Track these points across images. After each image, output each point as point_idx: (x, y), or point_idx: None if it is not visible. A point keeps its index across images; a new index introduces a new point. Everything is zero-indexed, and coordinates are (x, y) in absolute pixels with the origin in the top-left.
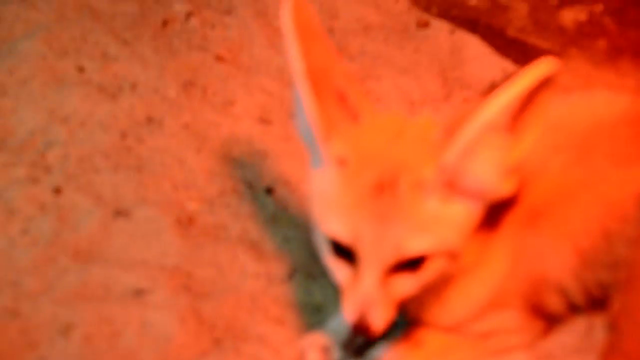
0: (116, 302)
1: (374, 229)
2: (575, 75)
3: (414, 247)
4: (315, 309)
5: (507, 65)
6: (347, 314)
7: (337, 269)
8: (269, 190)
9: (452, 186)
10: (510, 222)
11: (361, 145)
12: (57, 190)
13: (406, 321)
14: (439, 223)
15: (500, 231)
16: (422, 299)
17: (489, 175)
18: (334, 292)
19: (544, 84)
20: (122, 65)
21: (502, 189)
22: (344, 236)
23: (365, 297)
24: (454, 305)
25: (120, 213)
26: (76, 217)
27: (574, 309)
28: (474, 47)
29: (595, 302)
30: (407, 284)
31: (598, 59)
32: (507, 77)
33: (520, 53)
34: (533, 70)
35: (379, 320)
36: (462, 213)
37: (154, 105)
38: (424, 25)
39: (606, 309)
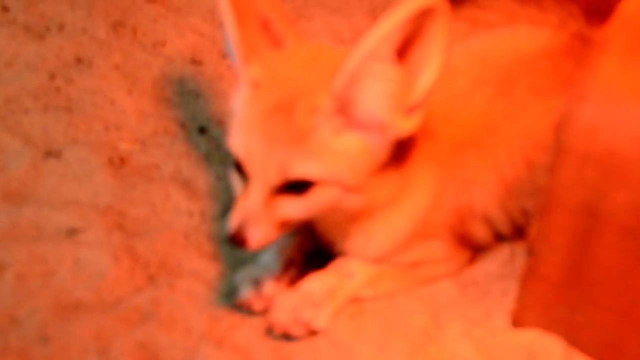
0: (49, 241)
1: (263, 148)
2: (500, 12)
3: (298, 170)
4: None
5: None
6: (227, 226)
7: (235, 184)
8: (202, 130)
9: (345, 115)
10: (434, 154)
11: (276, 70)
12: None
13: (334, 254)
14: (328, 152)
15: (422, 164)
16: (345, 232)
17: (378, 105)
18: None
19: (426, 16)
20: (49, 5)
21: (400, 125)
22: (240, 152)
23: (248, 212)
24: (378, 238)
25: (51, 154)
26: (6, 158)
27: (499, 238)
28: None
29: (519, 230)
30: (292, 207)
31: None
32: None
33: None
34: (410, 3)
35: (256, 236)
36: (355, 146)
37: (83, 46)
38: None
39: (527, 235)
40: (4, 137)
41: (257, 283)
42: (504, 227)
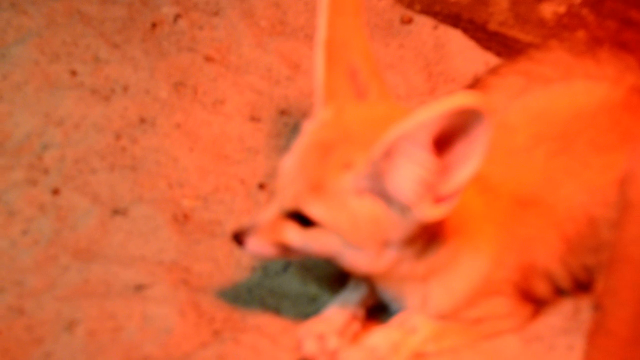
0: (117, 297)
1: (291, 173)
2: (555, 66)
3: (306, 205)
4: (310, 300)
5: (489, 58)
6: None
7: None
8: (261, 186)
9: (373, 182)
10: (495, 213)
11: (344, 117)
12: (55, 191)
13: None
14: (340, 204)
15: (481, 223)
16: (402, 291)
17: (406, 186)
18: (329, 283)
19: (470, 115)
20: (114, 68)
21: (425, 210)
22: (280, 169)
23: (256, 221)
24: (436, 299)
25: (117, 211)
26: (75, 216)
27: (560, 292)
28: (456, 41)
29: (581, 284)
30: (293, 234)
31: (577, 50)
32: (490, 70)
33: (502, 46)
34: (454, 99)
35: (252, 244)
36: (368, 211)
37: (146, 106)
38: (407, 21)
39: (591, 290)
40: (73, 196)
41: (320, 337)
42: (565, 282)
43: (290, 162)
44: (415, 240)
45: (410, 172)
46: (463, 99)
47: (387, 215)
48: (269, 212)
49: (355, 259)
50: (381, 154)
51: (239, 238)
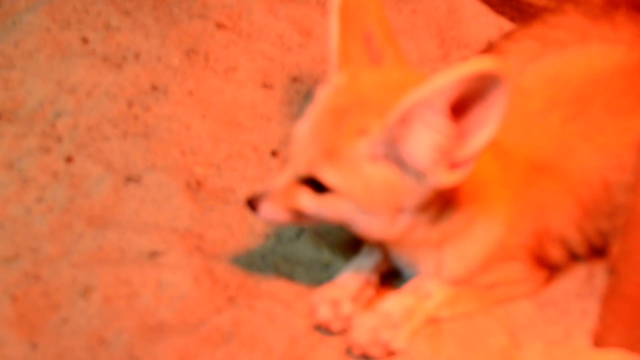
0: (132, 264)
1: (306, 139)
2: (570, 30)
3: (320, 171)
4: (323, 266)
5: (503, 23)
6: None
7: None
8: (274, 153)
9: (388, 148)
10: (509, 178)
11: (358, 82)
12: (69, 159)
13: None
14: (355, 170)
15: (495, 189)
16: (415, 257)
17: (422, 152)
18: (342, 250)
19: (488, 80)
20: (125, 35)
21: (440, 177)
22: (294, 135)
23: (270, 187)
24: (450, 265)
25: (130, 179)
26: (88, 184)
27: (575, 258)
28: (470, 6)
29: (595, 249)
30: (306, 200)
31: (593, 13)
32: (504, 35)
33: (516, 10)
34: (472, 64)
35: (266, 209)
36: (383, 177)
37: (158, 74)
38: None
39: (605, 255)
40: (86, 164)
41: (334, 303)
42: (580, 247)
43: (303, 128)
44: (429, 206)
45: (426, 138)
46: (481, 64)
47: (402, 181)
48: (283, 178)
49: (369, 225)
50: (397, 119)
51: (252, 204)
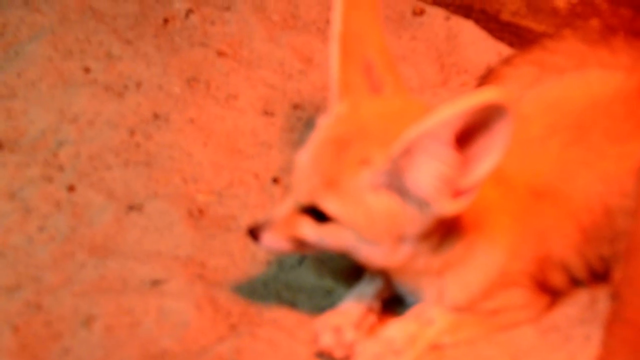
0: (134, 292)
1: (307, 168)
2: (569, 55)
3: (321, 201)
4: (326, 293)
5: (502, 48)
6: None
7: None
8: (275, 180)
9: (391, 178)
10: (510, 204)
11: (359, 112)
12: (71, 188)
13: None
14: (356, 200)
15: (496, 216)
16: (418, 285)
17: (427, 182)
18: (344, 277)
19: (494, 110)
20: (127, 64)
21: (444, 205)
22: (295, 164)
23: (271, 216)
24: (452, 293)
25: (132, 207)
26: (90, 213)
27: (576, 283)
28: (469, 32)
29: (596, 275)
30: (308, 229)
31: (591, 39)
32: (503, 61)
33: (515, 36)
34: (477, 95)
35: (267, 238)
36: (385, 207)
37: (159, 102)
38: (419, 13)
39: (607, 280)
40: (88, 193)
41: (337, 330)
42: (581, 273)
43: (305, 157)
44: (431, 234)
45: (431, 169)
46: (487, 95)
47: (404, 210)
48: (284, 207)
49: (371, 254)
50: (401, 151)
51: (254, 233)
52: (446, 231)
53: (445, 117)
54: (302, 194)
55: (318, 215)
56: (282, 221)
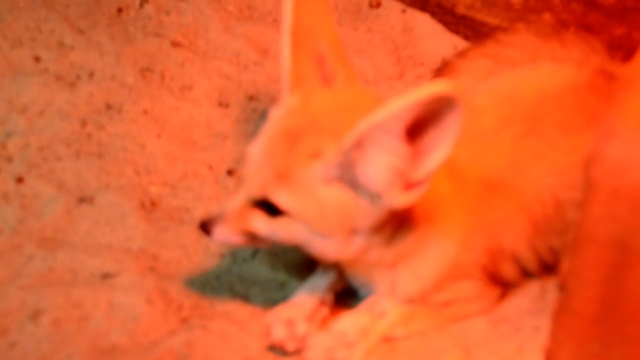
0: (83, 286)
1: (258, 161)
2: (522, 49)
3: (273, 194)
4: (279, 286)
5: (457, 41)
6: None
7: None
8: (230, 172)
9: (342, 170)
10: (461, 196)
11: (310, 104)
12: (19, 179)
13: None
14: (308, 193)
15: (448, 208)
16: (370, 277)
17: (378, 174)
18: (297, 269)
19: (444, 102)
20: (79, 54)
21: (396, 197)
22: (247, 156)
23: (223, 209)
24: (404, 285)
25: (83, 199)
26: (40, 204)
27: (527, 274)
28: (425, 25)
29: (547, 266)
30: (260, 223)
31: (544, 33)
32: (458, 54)
33: (470, 29)
34: (427, 87)
35: (219, 232)
36: (337, 199)
37: (112, 92)
38: (376, 5)
39: (557, 271)
40: (38, 184)
41: (289, 323)
42: (532, 264)
43: (257, 150)
44: (383, 227)
45: (382, 161)
46: (437, 87)
47: (356, 203)
48: (236, 200)
49: (324, 247)
50: (353, 143)
51: (205, 227)
52: (399, 223)
53: (396, 109)
54: (254, 187)
55: (270, 208)
56: (234, 215)
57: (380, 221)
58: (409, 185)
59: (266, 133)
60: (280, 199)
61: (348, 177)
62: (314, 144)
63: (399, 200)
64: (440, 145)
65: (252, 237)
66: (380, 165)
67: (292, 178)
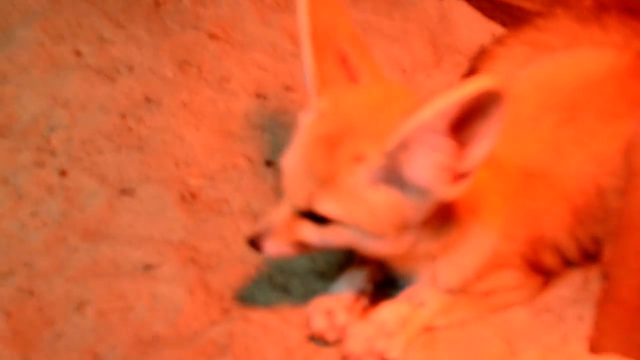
0: (126, 277)
1: (300, 172)
2: (560, 34)
3: (320, 205)
4: (318, 276)
5: (495, 28)
6: (251, 228)
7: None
8: (268, 163)
9: (388, 172)
10: (501, 186)
11: (342, 104)
12: (63, 173)
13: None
14: (356, 198)
15: (488, 197)
16: (410, 268)
17: (426, 173)
18: (337, 259)
19: (490, 99)
20: (118, 48)
21: (446, 191)
22: (283, 168)
23: (270, 223)
24: (445, 276)
25: (125, 192)
26: (83, 197)
27: (569, 264)
28: (461, 12)
29: (589, 255)
30: (310, 233)
31: (583, 17)
32: (495, 41)
33: (508, 15)
34: (471, 84)
35: (270, 247)
36: (386, 200)
37: (151, 86)
38: None
39: (600, 260)
40: (80, 177)
41: (329, 313)
42: (573, 253)
43: (292, 159)
44: (431, 219)
45: (429, 159)
46: (482, 83)
47: (405, 201)
48: (281, 212)
49: (376, 246)
50: (397, 145)
51: (255, 243)
52: (444, 215)
53: (441, 107)
54: (298, 199)
55: (318, 218)
56: (281, 226)
57: (429, 213)
58: (457, 177)
59: (300, 141)
60: (328, 209)
61: (394, 178)
62: (355, 148)
63: (449, 192)
64: (486, 137)
65: (303, 246)
66: (427, 163)
67: (336, 185)
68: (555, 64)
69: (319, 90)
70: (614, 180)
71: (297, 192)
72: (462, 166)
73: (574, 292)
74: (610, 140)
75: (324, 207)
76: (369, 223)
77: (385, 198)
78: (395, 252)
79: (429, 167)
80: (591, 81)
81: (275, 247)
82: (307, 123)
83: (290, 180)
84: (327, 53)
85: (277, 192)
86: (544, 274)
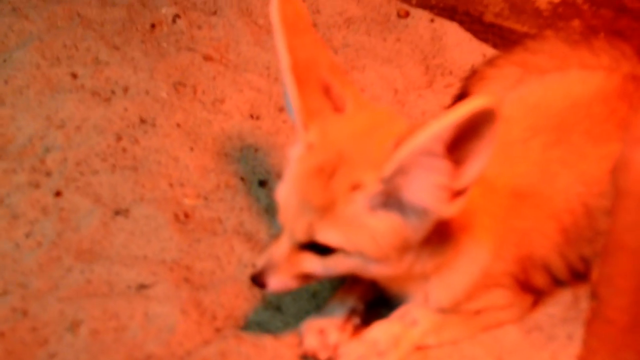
0: (120, 297)
1: (297, 205)
2: (550, 56)
3: (321, 236)
4: (310, 296)
5: (486, 49)
6: (253, 266)
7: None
8: (262, 183)
9: (387, 197)
10: (492, 206)
11: (331, 134)
12: (58, 193)
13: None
14: (357, 226)
15: (478, 218)
16: (402, 288)
17: (425, 194)
18: (329, 279)
19: (484, 118)
20: (114, 70)
21: (444, 209)
22: (279, 203)
23: (271, 259)
24: (436, 295)
25: (119, 212)
26: (77, 218)
27: (558, 283)
28: (453, 34)
29: (578, 275)
30: (313, 264)
31: (573, 39)
32: (487, 62)
33: (499, 37)
34: (465, 105)
35: (274, 282)
36: (386, 225)
37: (146, 107)
38: (404, 15)
39: (589, 280)
40: (75, 198)
41: (321, 332)
42: (562, 273)
43: (287, 193)
44: (429, 238)
45: (427, 181)
46: (477, 104)
47: (405, 223)
48: (282, 247)
49: (379, 270)
50: (394, 170)
51: (258, 280)
52: (441, 232)
53: (437, 131)
54: (298, 232)
55: (320, 248)
56: (283, 261)
57: (428, 233)
58: (454, 195)
59: (292, 175)
60: (329, 238)
61: (392, 201)
62: (351, 177)
63: (447, 211)
64: (481, 154)
65: (306, 278)
66: (426, 184)
67: (336, 214)
68: (545, 85)
69: (306, 122)
70: (602, 200)
71: (296, 225)
72: (459, 184)
73: (564, 311)
74: (599, 162)
75: (325, 237)
76: (371, 248)
77: (385, 222)
78: (397, 273)
79: (427, 188)
80: (580, 103)
81: (279, 282)
82: (297, 156)
83: (288, 213)
84: (310, 85)
85: (271, 212)
86: (533, 293)
